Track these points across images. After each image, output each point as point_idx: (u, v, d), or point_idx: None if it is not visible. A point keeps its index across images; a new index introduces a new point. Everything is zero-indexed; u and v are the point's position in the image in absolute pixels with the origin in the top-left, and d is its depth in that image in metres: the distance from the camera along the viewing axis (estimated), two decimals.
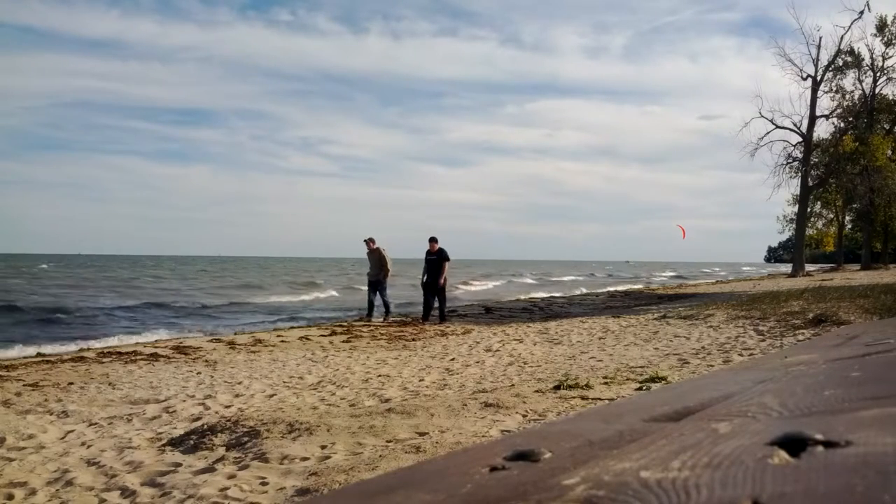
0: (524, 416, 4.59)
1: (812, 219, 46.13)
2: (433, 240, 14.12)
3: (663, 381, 5.65)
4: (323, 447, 3.94)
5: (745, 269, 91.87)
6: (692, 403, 1.13)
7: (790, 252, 53.16)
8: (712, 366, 6.62)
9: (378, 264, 14.30)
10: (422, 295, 14.31)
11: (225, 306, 23.46)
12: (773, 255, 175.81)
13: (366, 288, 15.11)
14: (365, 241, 14.60)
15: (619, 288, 32.20)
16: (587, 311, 16.35)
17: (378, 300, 14.36)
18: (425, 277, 14.00)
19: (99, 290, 32.24)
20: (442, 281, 13.93)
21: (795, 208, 40.04)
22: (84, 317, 18.60)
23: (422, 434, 4.11)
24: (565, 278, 53.68)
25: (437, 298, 13.98)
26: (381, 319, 14.02)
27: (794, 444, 0.64)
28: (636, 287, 33.46)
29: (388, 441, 4.01)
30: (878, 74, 38.99)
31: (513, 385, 6.12)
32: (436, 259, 13.99)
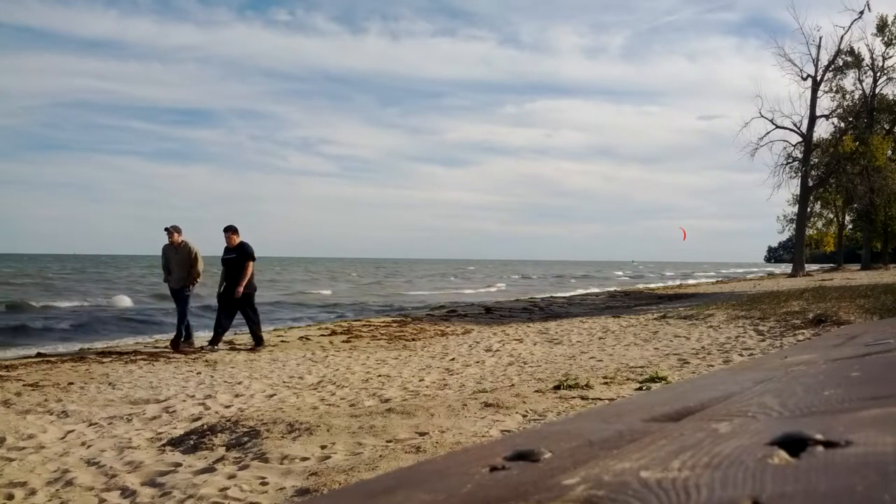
0: (524, 416, 4.59)
1: (812, 219, 46.14)
2: (231, 230, 9.87)
3: (663, 381, 5.65)
4: (323, 447, 3.94)
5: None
6: (692, 403, 1.13)
7: (790, 252, 53.13)
8: (712, 366, 6.62)
9: (184, 265, 9.93)
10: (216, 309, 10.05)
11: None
12: (773, 255, 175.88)
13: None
14: (167, 230, 10.01)
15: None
16: (587, 312, 16.35)
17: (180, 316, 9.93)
18: (224, 285, 9.92)
19: None
20: (240, 287, 9.69)
21: (795, 208, 40.08)
22: None
23: (422, 434, 4.11)
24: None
25: (239, 313, 9.81)
26: (187, 344, 9.76)
27: (794, 444, 0.64)
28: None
29: (388, 441, 4.01)
30: (878, 74, 39.06)
31: (513, 385, 6.11)
32: (235, 258, 9.80)
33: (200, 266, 9.98)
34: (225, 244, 9.92)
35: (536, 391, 5.45)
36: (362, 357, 8.87)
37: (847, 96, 39.36)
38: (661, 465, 0.64)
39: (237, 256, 9.76)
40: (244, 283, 9.68)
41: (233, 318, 9.86)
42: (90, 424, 5.27)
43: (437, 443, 3.85)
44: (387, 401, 5.68)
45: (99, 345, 11.53)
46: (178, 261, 9.93)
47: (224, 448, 4.13)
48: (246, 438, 4.20)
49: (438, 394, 5.97)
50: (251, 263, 9.77)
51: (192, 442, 4.36)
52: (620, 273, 70.48)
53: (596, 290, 32.17)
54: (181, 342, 9.76)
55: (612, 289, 32.22)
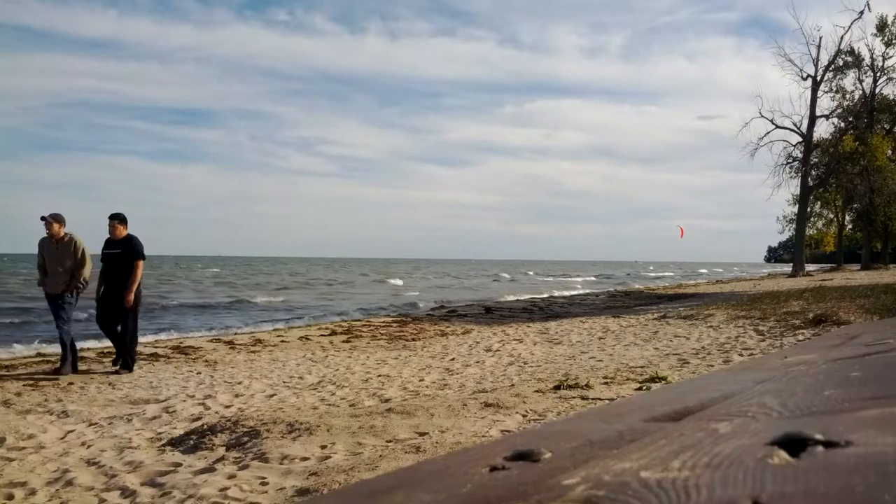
0: (524, 416, 4.59)
1: (812, 219, 46.12)
2: (117, 218, 7.90)
3: (663, 381, 5.65)
4: (323, 447, 3.94)
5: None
6: (692, 403, 1.13)
7: (790, 252, 53.14)
8: (712, 366, 6.62)
9: (65, 265, 7.61)
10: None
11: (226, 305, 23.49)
12: (773, 255, 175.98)
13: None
14: (43, 219, 7.67)
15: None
16: (587, 311, 16.35)
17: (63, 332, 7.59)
18: (103, 288, 7.84)
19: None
20: (130, 294, 7.64)
21: (795, 208, 40.08)
22: None
23: (422, 434, 4.11)
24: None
25: (120, 324, 7.78)
26: (59, 369, 7.50)
27: (794, 444, 0.64)
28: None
29: (388, 441, 4.01)
30: (878, 74, 39.06)
31: (513, 385, 6.11)
32: (120, 254, 7.79)
33: (88, 268, 7.70)
34: (108, 236, 7.90)
35: (536, 391, 5.45)
36: (362, 357, 8.87)
37: (847, 96, 39.38)
38: (661, 465, 0.64)
39: (122, 252, 7.76)
40: (134, 289, 7.69)
41: (116, 328, 7.83)
42: (90, 424, 5.27)
43: (437, 443, 3.85)
44: (387, 401, 5.68)
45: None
46: (58, 259, 7.63)
47: (224, 448, 4.13)
48: (246, 438, 4.20)
49: (438, 394, 5.97)
50: (141, 264, 7.80)
51: (192, 442, 4.36)
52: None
53: (604, 289, 32.21)
54: (65, 363, 7.55)
55: (612, 288, 32.24)
